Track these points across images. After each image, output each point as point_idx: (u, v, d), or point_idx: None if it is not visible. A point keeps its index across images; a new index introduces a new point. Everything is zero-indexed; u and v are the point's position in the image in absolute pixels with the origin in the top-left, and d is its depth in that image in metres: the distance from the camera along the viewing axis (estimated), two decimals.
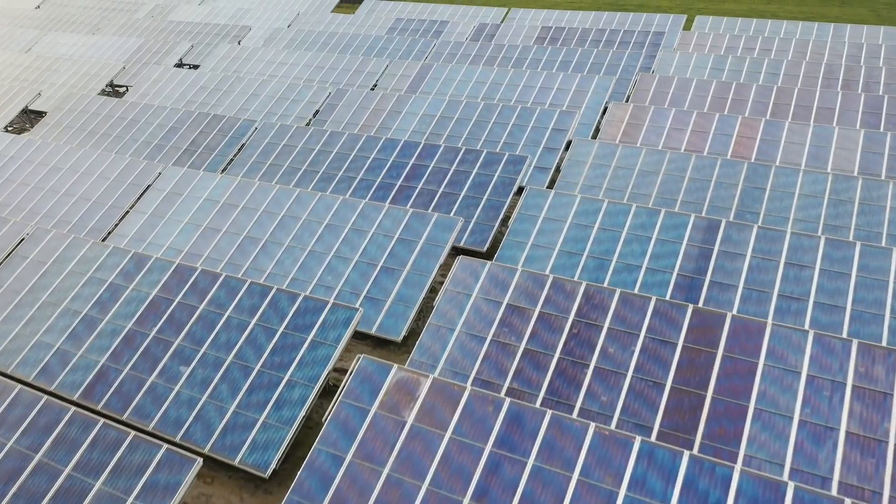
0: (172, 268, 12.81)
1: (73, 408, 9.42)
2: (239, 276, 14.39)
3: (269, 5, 41.55)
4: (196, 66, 33.18)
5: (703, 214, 15.44)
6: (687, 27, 36.48)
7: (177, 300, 12.29)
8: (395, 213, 14.50)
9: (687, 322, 10.90)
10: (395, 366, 9.95)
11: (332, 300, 11.42)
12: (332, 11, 44.37)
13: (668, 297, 12.81)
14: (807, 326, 12.04)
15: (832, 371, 9.96)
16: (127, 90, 29.72)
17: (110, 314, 12.44)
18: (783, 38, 26.25)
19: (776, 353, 10.32)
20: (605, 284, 13.28)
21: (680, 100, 21.46)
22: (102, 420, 9.19)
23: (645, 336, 10.91)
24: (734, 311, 12.38)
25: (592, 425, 8.78)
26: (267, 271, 14.31)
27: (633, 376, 10.53)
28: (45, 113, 26.55)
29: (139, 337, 11.97)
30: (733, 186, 15.70)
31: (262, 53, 28.16)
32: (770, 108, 20.42)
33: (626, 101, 24.65)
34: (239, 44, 33.68)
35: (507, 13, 36.45)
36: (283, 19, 37.20)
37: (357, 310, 11.25)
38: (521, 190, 19.17)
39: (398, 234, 14.16)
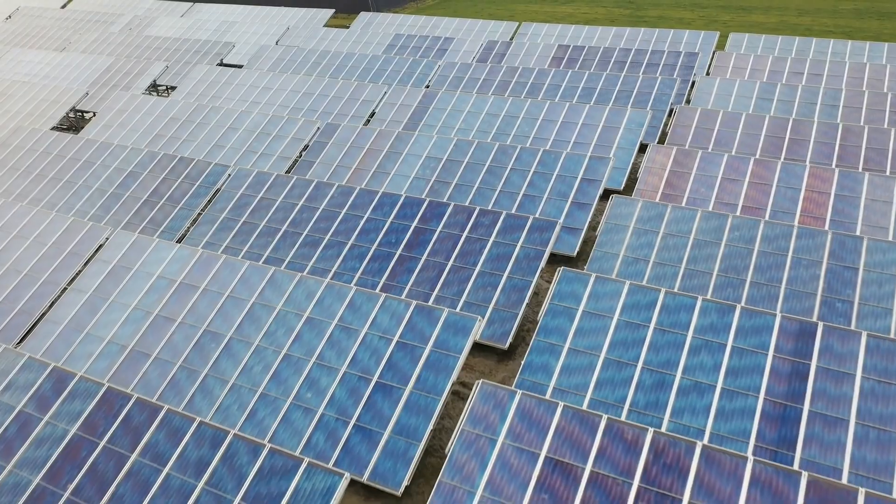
0: (100, 393, 9.70)
1: None
2: (195, 386, 11.28)
3: (258, 18, 38.40)
4: (172, 88, 30.06)
5: (780, 302, 12.36)
6: (720, 45, 33.30)
7: (102, 443, 9.18)
8: (395, 306, 11.38)
9: (802, 500, 7.80)
10: None
11: (306, 459, 8.31)
12: (325, 25, 41.24)
13: (754, 433, 9.72)
14: None
15: None
16: (94, 115, 26.59)
17: (14, 461, 9.33)
18: (834, 61, 23.15)
19: None
20: (668, 409, 10.18)
21: (727, 139, 18.35)
22: None
23: None
24: (847, 456, 9.29)
25: None
26: (231, 381, 11.19)
27: None
28: None
29: (49, 498, 8.85)
30: (816, 265, 12.59)
31: (245, 77, 25.01)
32: (836, 150, 17.33)
33: (663, 138, 21.56)
34: (221, 63, 30.60)
35: (517, 28, 33.31)
36: (272, 34, 34.04)
37: (341, 475, 8.15)
38: (551, 259, 15.99)
39: (398, 335, 11.05)
